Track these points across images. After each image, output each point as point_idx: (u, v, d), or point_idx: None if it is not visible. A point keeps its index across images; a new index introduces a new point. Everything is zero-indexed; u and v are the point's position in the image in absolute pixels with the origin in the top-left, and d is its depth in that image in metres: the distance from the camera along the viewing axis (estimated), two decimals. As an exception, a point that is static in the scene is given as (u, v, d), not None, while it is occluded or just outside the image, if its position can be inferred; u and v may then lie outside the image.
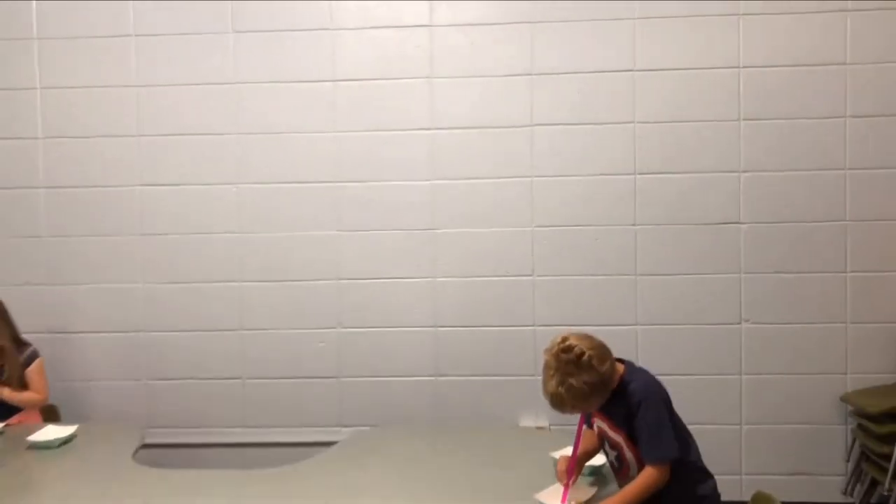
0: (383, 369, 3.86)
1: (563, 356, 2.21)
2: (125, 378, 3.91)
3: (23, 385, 3.43)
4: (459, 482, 2.66)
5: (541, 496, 2.40)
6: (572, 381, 2.19)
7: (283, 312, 3.87)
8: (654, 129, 3.74)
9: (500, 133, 3.78)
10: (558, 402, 2.23)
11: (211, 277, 3.87)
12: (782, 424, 3.75)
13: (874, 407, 3.43)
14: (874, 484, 3.52)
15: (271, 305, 3.87)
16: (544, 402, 2.29)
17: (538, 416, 3.60)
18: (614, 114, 3.74)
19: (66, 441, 3.07)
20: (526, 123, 3.77)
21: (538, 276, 3.79)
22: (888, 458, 3.33)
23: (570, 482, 2.37)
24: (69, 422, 3.61)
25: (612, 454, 2.47)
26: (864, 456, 3.60)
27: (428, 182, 3.80)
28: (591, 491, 2.46)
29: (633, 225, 3.76)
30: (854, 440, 3.69)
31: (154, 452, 3.70)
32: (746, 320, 3.74)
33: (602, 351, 2.27)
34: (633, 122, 3.74)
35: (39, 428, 3.17)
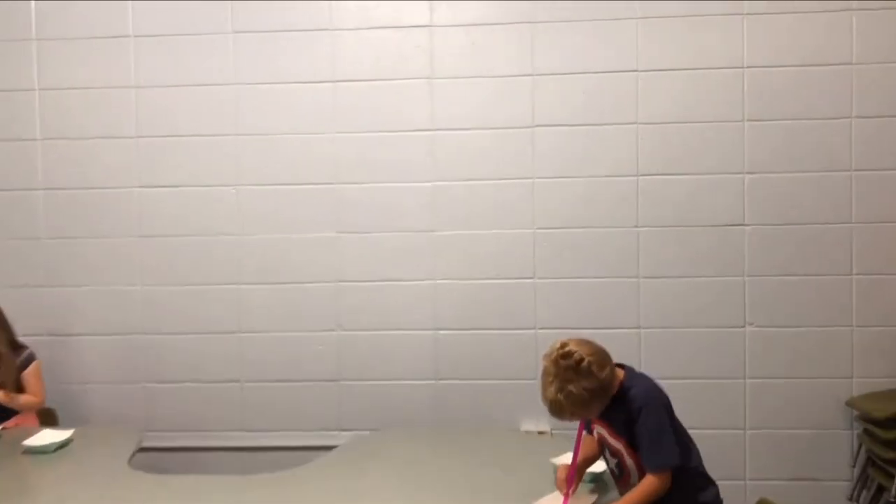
0: (383, 372, 3.82)
1: (562, 362, 2.18)
2: (123, 381, 3.88)
3: (19, 388, 3.41)
4: (459, 487, 2.64)
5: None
6: (571, 387, 2.16)
7: (282, 315, 3.83)
8: (657, 130, 3.69)
9: (501, 134, 3.74)
10: (557, 408, 2.20)
11: (209, 280, 3.84)
12: (786, 429, 3.70)
13: (880, 411, 3.39)
14: (880, 490, 3.47)
15: (270, 308, 3.84)
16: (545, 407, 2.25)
17: (539, 420, 3.55)
18: (617, 114, 3.70)
19: (62, 445, 3.06)
20: (527, 124, 3.73)
21: (539, 278, 3.76)
22: (894, 463, 3.29)
23: (570, 491, 2.33)
24: (67, 425, 3.61)
25: (613, 461, 2.44)
26: (870, 461, 3.56)
27: (428, 183, 3.77)
28: (592, 498, 2.44)
29: (636, 227, 3.72)
30: (860, 445, 3.65)
31: (152, 456, 3.71)
32: (750, 323, 3.70)
33: (601, 357, 2.24)
34: (635, 122, 3.70)
35: (36, 432, 3.17)
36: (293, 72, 3.79)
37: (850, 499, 3.67)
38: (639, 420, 2.26)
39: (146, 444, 3.65)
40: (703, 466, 2.46)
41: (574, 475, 2.38)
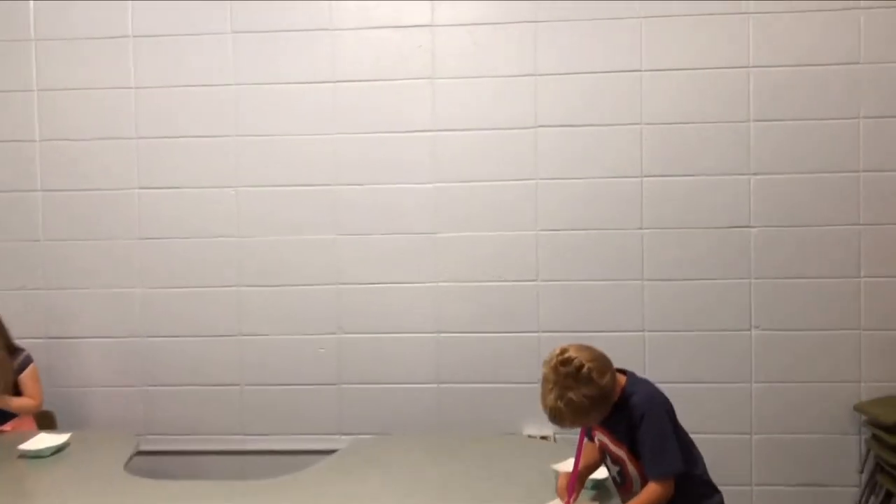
0: (384, 376, 3.78)
1: (562, 369, 2.14)
2: (122, 384, 3.85)
3: (16, 392, 3.39)
4: (460, 493, 2.60)
5: (541, 512, 2.34)
6: (571, 395, 2.12)
7: (282, 318, 3.80)
8: (661, 130, 3.65)
9: (503, 135, 3.70)
10: (557, 416, 2.16)
11: (209, 282, 3.81)
12: (793, 434, 3.65)
13: (889, 417, 3.34)
14: (889, 496, 3.42)
15: (270, 310, 3.80)
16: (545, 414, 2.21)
17: (542, 424, 3.50)
18: (620, 115, 3.66)
19: (59, 450, 3.03)
20: (530, 125, 3.69)
21: (542, 280, 3.71)
22: (903, 469, 3.25)
23: (571, 500, 2.28)
24: (65, 428, 3.59)
25: (615, 469, 2.40)
26: (879, 467, 3.50)
27: (429, 185, 3.73)
28: (593, 507, 2.39)
29: (640, 229, 3.67)
30: (868, 451, 3.59)
31: (151, 460, 3.68)
32: (756, 327, 3.65)
33: (602, 363, 2.19)
34: (639, 123, 3.66)
35: (33, 435, 3.13)
36: (293, 72, 3.75)
37: (858, 505, 3.63)
38: (641, 427, 2.21)
39: (145, 447, 3.63)
40: (707, 474, 2.41)
41: (575, 483, 2.33)
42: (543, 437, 3.43)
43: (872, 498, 3.56)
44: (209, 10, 3.76)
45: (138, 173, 3.81)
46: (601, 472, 2.51)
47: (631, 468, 2.30)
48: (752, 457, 3.67)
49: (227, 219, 3.79)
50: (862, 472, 3.62)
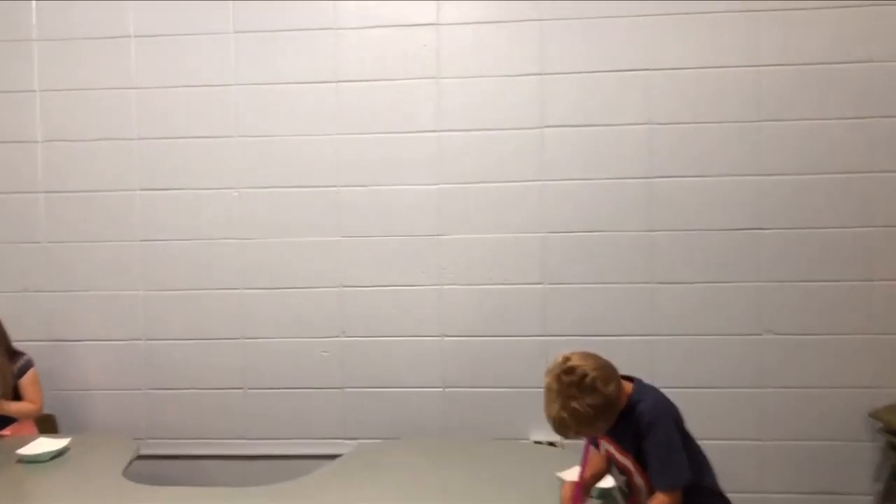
0: (388, 380, 3.74)
1: (565, 378, 2.08)
2: (124, 387, 3.82)
3: (16, 396, 3.36)
4: (463, 500, 2.57)
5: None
6: (575, 404, 2.06)
7: (285, 320, 3.76)
8: (670, 130, 3.58)
9: (508, 135, 3.64)
10: (561, 426, 2.11)
11: (211, 285, 3.77)
12: (806, 441, 3.58)
13: (905, 424, 3.27)
14: (904, 505, 3.35)
15: (272, 313, 3.76)
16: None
17: (549, 430, 3.39)
18: (628, 115, 3.59)
19: (58, 454, 3.01)
20: (536, 125, 3.63)
21: (549, 283, 3.65)
22: (919, 478, 3.17)
23: (575, 510, 2.23)
24: (67, 431, 3.59)
25: (622, 479, 2.34)
26: (894, 476, 3.43)
27: (434, 186, 3.68)
28: (599, 517, 2.33)
29: (649, 231, 3.61)
30: (883, 458, 3.51)
31: (153, 464, 3.68)
32: (768, 331, 3.58)
33: (607, 371, 2.13)
34: (648, 123, 3.59)
35: (33, 439, 3.11)
36: (295, 72, 3.71)
37: (873, 513, 3.55)
38: (647, 436, 2.15)
39: (148, 451, 3.64)
40: (716, 484, 2.34)
41: (580, 492, 2.28)
42: (550, 444, 3.36)
43: (887, 506, 3.49)
44: (210, 10, 3.73)
45: (139, 175, 3.78)
46: (608, 481, 2.46)
47: (638, 478, 2.24)
48: (762, 464, 3.60)
49: (229, 220, 3.75)
50: (877, 480, 3.54)
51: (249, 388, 3.78)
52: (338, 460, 3.03)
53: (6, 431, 3.32)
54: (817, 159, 3.53)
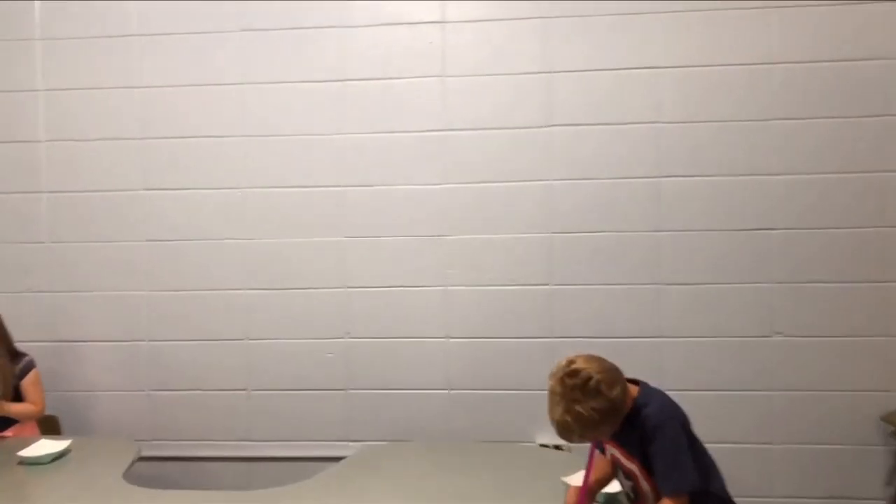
0: (393, 382, 3.70)
1: (569, 381, 2.04)
2: (127, 388, 3.80)
3: (17, 397, 3.34)
4: (466, 504, 2.54)
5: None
6: (579, 408, 2.02)
7: (289, 321, 3.73)
8: (679, 129, 3.54)
9: (515, 134, 3.60)
10: (565, 430, 2.07)
11: (215, 285, 3.75)
12: (816, 445, 3.53)
13: (918, 428, 3.21)
14: (917, 510, 3.29)
15: (277, 314, 3.73)
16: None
17: (555, 433, 3.41)
18: (637, 113, 3.55)
19: (59, 456, 2.99)
20: (543, 124, 3.59)
21: (555, 284, 3.61)
22: (933, 484, 3.11)
23: (580, 516, 2.19)
24: (70, 433, 3.58)
25: (628, 484, 2.30)
26: (907, 480, 3.38)
27: (440, 186, 3.64)
28: (605, 523, 2.29)
29: (658, 231, 3.56)
30: (895, 463, 3.46)
31: (156, 465, 3.67)
32: (778, 333, 3.53)
33: (612, 374, 2.09)
34: (657, 121, 3.55)
35: (34, 441, 3.10)
36: (301, 71, 3.68)
37: (885, 519, 3.50)
38: (653, 440, 2.10)
39: (151, 453, 3.63)
40: (725, 490, 2.29)
41: (585, 498, 2.24)
42: (557, 447, 3.32)
43: (900, 512, 3.44)
44: (216, 8, 3.70)
45: (144, 174, 3.76)
46: (614, 486, 2.42)
47: (644, 484, 2.20)
48: (773, 468, 3.55)
49: (234, 221, 3.73)
50: (889, 484, 3.49)
51: (253, 390, 3.76)
52: (342, 462, 3.01)
53: (8, 433, 3.30)
54: (827, 158, 3.47)
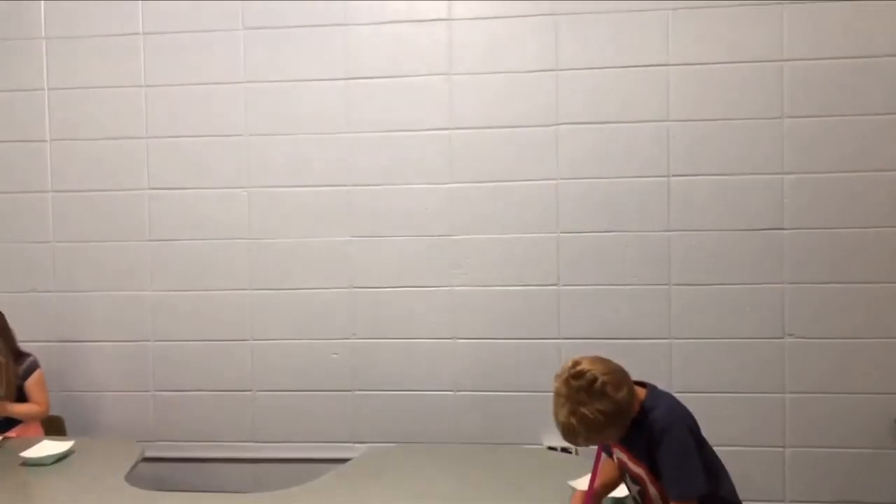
0: (399, 383, 3.67)
1: (574, 383, 2.00)
2: (132, 389, 3.78)
3: (21, 398, 3.33)
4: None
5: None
6: (584, 410, 1.98)
7: (295, 322, 3.70)
8: (689, 127, 3.49)
9: (522, 133, 3.56)
10: (570, 433, 2.03)
11: (220, 285, 3.73)
12: (829, 448, 3.47)
13: (933, 431, 3.15)
14: (933, 516, 3.23)
15: (282, 314, 3.71)
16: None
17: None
18: (646, 111, 3.50)
19: (61, 458, 2.98)
20: (551, 122, 3.55)
21: (563, 285, 3.57)
22: (949, 488, 3.05)
23: (585, 521, 2.14)
24: (75, 433, 3.57)
25: (635, 489, 2.25)
26: (922, 485, 3.31)
27: (446, 185, 3.61)
28: (611, 528, 2.25)
29: (667, 231, 3.51)
30: (910, 466, 3.41)
31: (160, 466, 3.66)
32: (790, 334, 3.47)
33: (618, 376, 2.04)
34: (666, 120, 3.50)
35: (37, 442, 3.09)
36: (305, 70, 3.66)
37: (900, 524, 3.43)
38: (661, 444, 2.06)
39: (156, 454, 3.62)
40: (734, 494, 2.25)
41: (590, 503, 2.19)
42: (565, 450, 3.27)
43: (915, 517, 3.37)
44: (220, 7, 3.68)
45: (148, 174, 3.74)
46: (621, 491, 2.38)
47: (651, 488, 2.15)
48: (785, 471, 3.49)
49: (239, 220, 3.71)
50: (903, 489, 3.44)
51: (258, 391, 3.73)
52: (347, 464, 3.00)
53: (12, 433, 3.30)
54: (841, 156, 3.42)
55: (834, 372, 3.45)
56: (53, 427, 3.52)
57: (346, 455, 3.38)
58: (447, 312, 3.63)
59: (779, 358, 3.48)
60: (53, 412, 3.51)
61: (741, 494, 2.26)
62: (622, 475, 2.30)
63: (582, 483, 2.43)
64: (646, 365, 3.40)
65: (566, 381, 2.02)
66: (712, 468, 2.16)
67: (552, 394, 2.09)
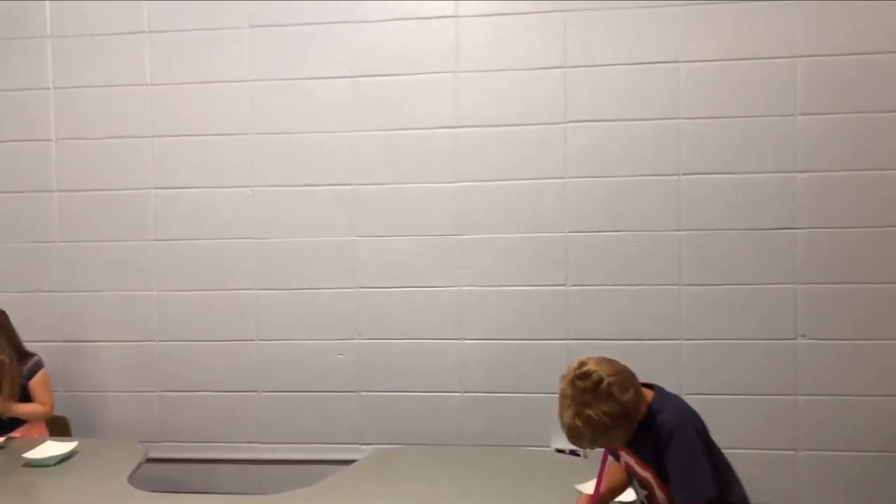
0: (405, 384, 3.64)
1: (579, 383, 1.96)
2: (137, 389, 3.77)
3: (25, 398, 3.32)
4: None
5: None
6: (590, 411, 1.93)
7: (300, 322, 3.68)
8: (700, 125, 3.44)
9: (530, 131, 3.53)
10: (575, 434, 1.98)
11: (225, 285, 3.71)
12: (843, 451, 3.41)
13: (949, 435, 3.09)
14: (949, 521, 3.17)
15: (287, 314, 3.69)
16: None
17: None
18: (656, 109, 3.46)
19: (64, 459, 2.96)
20: (559, 120, 3.51)
21: (572, 285, 3.53)
22: (966, 494, 2.98)
23: (590, 526, 2.10)
24: (79, 433, 3.56)
25: (643, 493, 2.20)
26: (938, 489, 3.25)
27: (452, 184, 3.58)
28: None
29: (677, 230, 3.47)
30: (926, 471, 3.34)
31: (165, 467, 3.64)
32: (803, 336, 3.42)
33: (624, 377, 2.00)
34: (677, 118, 3.45)
35: (41, 442, 3.08)
36: (311, 67, 3.64)
37: (915, 529, 3.37)
38: (669, 448, 2.01)
39: (160, 454, 3.61)
40: (745, 499, 2.19)
41: (596, 508, 2.15)
42: (573, 452, 3.23)
43: (931, 522, 3.31)
44: (226, 5, 3.67)
45: (153, 173, 3.73)
46: (628, 495, 2.33)
47: (659, 493, 2.10)
48: (797, 476, 3.44)
49: (244, 220, 3.69)
50: (919, 494, 3.37)
51: (263, 391, 3.71)
52: (352, 466, 2.98)
53: (16, 433, 3.28)
54: (856, 154, 3.37)
55: (847, 374, 3.40)
56: (58, 427, 3.50)
57: (351, 457, 3.35)
58: (453, 312, 3.60)
59: (791, 359, 3.43)
60: (58, 412, 3.49)
61: (752, 498, 2.21)
62: (629, 479, 2.25)
63: (589, 487, 2.38)
64: (655, 366, 3.35)
65: (571, 382, 1.98)
66: (722, 472, 2.11)
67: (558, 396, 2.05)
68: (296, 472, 3.60)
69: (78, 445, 3.04)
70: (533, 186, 3.53)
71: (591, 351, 2.22)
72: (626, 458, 2.18)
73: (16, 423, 3.31)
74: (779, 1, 3.37)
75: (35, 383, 3.34)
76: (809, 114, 3.38)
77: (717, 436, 2.15)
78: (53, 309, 3.78)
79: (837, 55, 3.36)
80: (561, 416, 2.01)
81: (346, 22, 3.60)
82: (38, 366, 3.37)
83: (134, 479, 2.80)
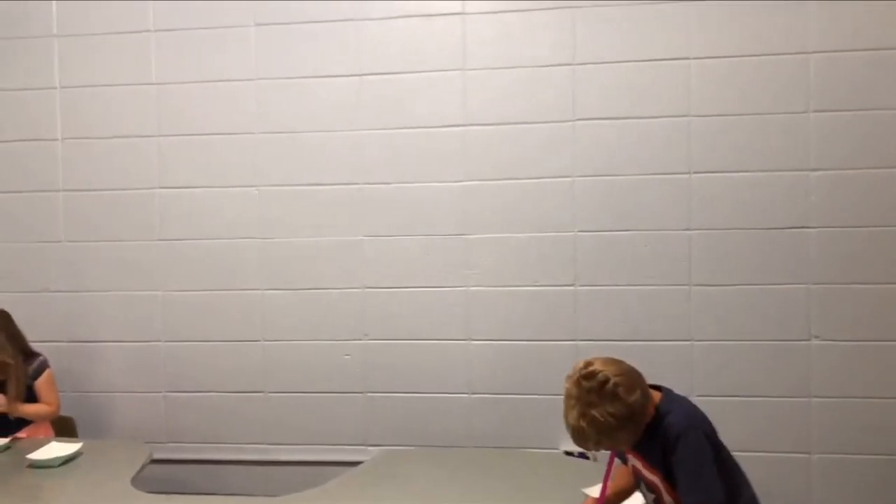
0: (412, 385, 3.60)
1: (585, 384, 1.92)
2: (143, 389, 3.75)
3: (31, 398, 3.31)
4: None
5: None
6: (595, 412, 1.90)
7: (306, 322, 3.65)
8: (711, 123, 3.39)
9: (538, 129, 3.49)
10: (580, 435, 1.95)
11: (231, 285, 3.69)
12: (859, 455, 3.35)
13: (967, 438, 3.02)
14: (967, 526, 3.10)
15: (293, 315, 3.66)
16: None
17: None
18: (666, 107, 3.41)
19: (69, 459, 2.95)
20: (567, 118, 3.47)
21: (580, 285, 3.48)
22: (984, 498, 2.92)
23: (596, 530, 2.06)
24: (85, 434, 3.55)
25: (650, 497, 2.16)
26: (955, 494, 3.18)
27: (460, 183, 3.54)
28: (625, 536, 2.16)
29: (688, 230, 3.42)
30: (943, 475, 3.27)
31: (171, 468, 3.63)
32: (816, 336, 3.36)
33: (631, 378, 1.96)
34: (687, 115, 3.40)
35: (46, 443, 3.08)
36: (317, 65, 3.61)
37: (932, 535, 3.30)
38: (676, 451, 1.97)
39: (166, 455, 3.61)
40: (756, 503, 2.14)
41: (602, 512, 2.11)
42: (582, 455, 3.18)
43: (948, 527, 3.24)
44: (231, 4, 3.65)
45: (159, 172, 3.72)
46: (635, 499, 2.28)
47: (667, 497, 2.06)
48: (811, 478, 3.38)
49: (249, 219, 3.67)
50: (936, 498, 3.30)
51: (270, 392, 3.68)
52: (359, 467, 2.97)
53: (22, 434, 3.28)
54: (871, 152, 3.31)
55: (862, 376, 3.34)
56: (64, 428, 3.49)
57: (357, 458, 3.35)
58: (461, 313, 3.56)
59: (804, 361, 3.37)
60: (64, 413, 3.48)
61: (764, 502, 2.16)
62: (637, 483, 2.21)
63: (596, 490, 2.34)
64: (666, 367, 3.30)
65: (577, 382, 1.95)
66: (731, 475, 2.06)
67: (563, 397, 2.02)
68: (301, 474, 3.57)
69: (82, 446, 3.03)
70: (541, 185, 3.49)
71: (600, 352, 2.17)
72: (634, 460, 2.14)
73: (22, 423, 3.30)
74: (791, -4, 3.33)
75: (41, 383, 3.33)
76: (822, 111, 3.32)
77: (728, 438, 2.11)
78: (58, 309, 3.77)
79: (851, 51, 3.31)
80: (566, 416, 1.98)
81: (352, 20, 3.58)
82: (44, 366, 3.36)
83: (138, 481, 2.78)
